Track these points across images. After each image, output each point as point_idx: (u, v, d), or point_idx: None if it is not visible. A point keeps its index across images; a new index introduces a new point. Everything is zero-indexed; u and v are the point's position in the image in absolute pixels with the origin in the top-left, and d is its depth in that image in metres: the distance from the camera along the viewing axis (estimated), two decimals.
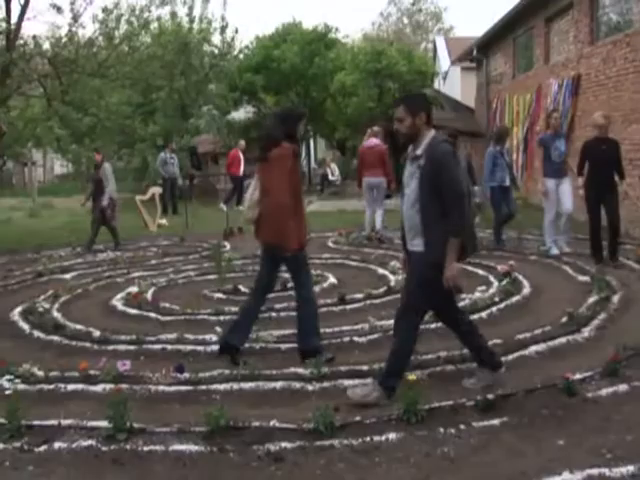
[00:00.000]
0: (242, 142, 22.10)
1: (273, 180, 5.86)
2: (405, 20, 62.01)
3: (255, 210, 6.01)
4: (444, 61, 35.68)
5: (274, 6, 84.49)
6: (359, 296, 8.10)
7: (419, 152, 4.94)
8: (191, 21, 23.86)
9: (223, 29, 24.69)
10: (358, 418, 4.60)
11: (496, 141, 11.67)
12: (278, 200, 5.83)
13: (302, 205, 6.09)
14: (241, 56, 27.09)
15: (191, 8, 23.75)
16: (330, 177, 25.87)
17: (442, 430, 4.44)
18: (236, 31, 25.32)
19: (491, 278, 8.84)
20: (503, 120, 21.01)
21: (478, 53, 24.32)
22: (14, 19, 14.42)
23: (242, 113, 28.56)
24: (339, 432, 4.43)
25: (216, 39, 25.08)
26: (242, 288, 8.66)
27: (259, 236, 6.15)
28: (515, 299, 7.80)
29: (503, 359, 5.64)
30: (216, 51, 25.06)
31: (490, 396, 4.78)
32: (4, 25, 14.22)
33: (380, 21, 62.01)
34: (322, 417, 4.44)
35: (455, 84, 32.99)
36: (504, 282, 8.37)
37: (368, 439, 4.34)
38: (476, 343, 5.35)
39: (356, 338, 6.50)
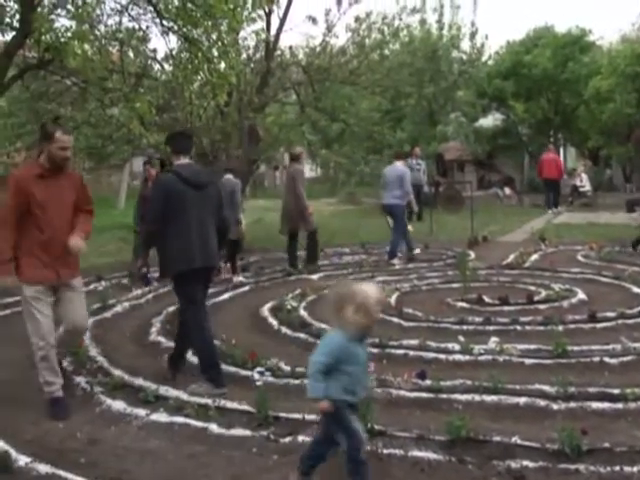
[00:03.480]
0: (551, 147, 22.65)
1: None
2: None
3: None
4: None
5: (525, 10, 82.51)
6: (611, 314, 7.63)
7: None
8: (440, 28, 23.97)
9: (473, 35, 24.63)
10: (607, 445, 4.32)
11: None
12: None
13: None
14: (490, 62, 26.78)
15: (441, 15, 23.89)
16: (580, 188, 24.71)
17: None
18: (486, 37, 25.15)
19: None
20: None
21: None
22: (272, 31, 15.29)
23: (490, 120, 28.17)
24: (586, 457, 4.19)
25: (465, 45, 25.04)
26: (486, 298, 8.51)
27: None
28: None
29: None
30: (465, 57, 24.97)
31: None
32: (264, 36, 15.10)
33: None
34: (568, 439, 4.23)
35: None
36: None
37: (617, 468, 4.06)
38: (180, 349, 6.16)
39: (607, 359, 6.11)
